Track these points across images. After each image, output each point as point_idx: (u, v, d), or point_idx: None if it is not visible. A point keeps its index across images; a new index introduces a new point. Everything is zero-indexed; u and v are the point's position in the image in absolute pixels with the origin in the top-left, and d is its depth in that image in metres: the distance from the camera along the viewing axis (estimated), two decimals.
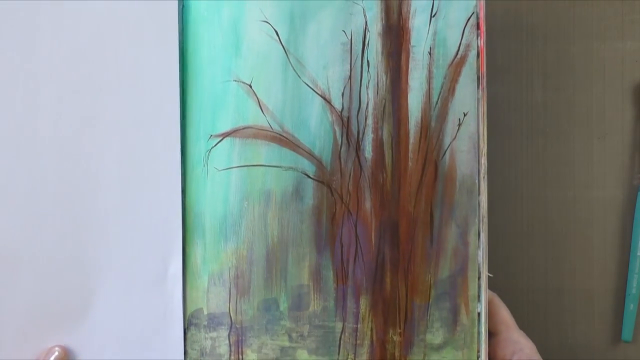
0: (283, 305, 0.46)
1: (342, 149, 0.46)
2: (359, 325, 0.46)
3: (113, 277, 0.46)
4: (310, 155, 0.46)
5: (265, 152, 0.46)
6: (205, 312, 0.46)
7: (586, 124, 0.57)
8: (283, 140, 0.46)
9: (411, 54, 0.46)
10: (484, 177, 0.47)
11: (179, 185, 0.46)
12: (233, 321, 0.46)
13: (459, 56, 0.46)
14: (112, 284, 0.46)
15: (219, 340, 0.46)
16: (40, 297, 0.45)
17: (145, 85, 0.46)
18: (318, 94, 0.46)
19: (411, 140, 0.46)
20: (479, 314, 0.46)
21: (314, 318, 0.46)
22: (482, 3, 0.47)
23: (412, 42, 0.46)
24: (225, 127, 0.46)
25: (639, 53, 0.57)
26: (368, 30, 0.46)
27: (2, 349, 0.44)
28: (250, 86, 0.46)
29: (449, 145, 0.46)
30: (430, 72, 0.46)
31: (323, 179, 0.46)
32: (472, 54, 0.46)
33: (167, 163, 0.46)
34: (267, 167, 0.46)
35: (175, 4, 0.46)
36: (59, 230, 0.45)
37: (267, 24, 0.46)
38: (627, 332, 0.56)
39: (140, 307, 0.46)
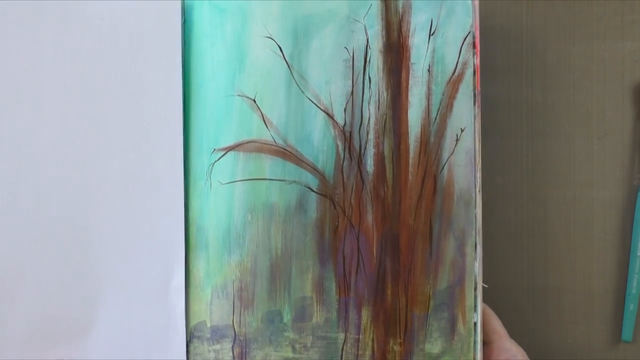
0: (287, 317, 0.48)
1: (345, 163, 0.48)
2: (360, 336, 0.48)
3: (115, 290, 0.47)
4: (313, 169, 0.48)
5: (269, 166, 0.48)
6: (209, 325, 0.47)
7: (586, 124, 0.58)
8: (287, 154, 0.48)
9: (411, 71, 0.49)
10: (479, 191, 0.49)
11: (181, 198, 0.48)
12: (237, 333, 0.47)
13: (456, 74, 0.49)
14: (115, 297, 0.47)
15: (223, 353, 0.47)
16: (43, 310, 0.46)
17: (148, 99, 0.47)
18: (321, 109, 0.48)
19: (411, 154, 0.49)
20: (475, 323, 0.49)
21: (316, 329, 0.48)
22: (478, 23, 0.50)
23: (412, 59, 0.49)
24: (229, 141, 0.48)
25: (639, 53, 0.58)
26: (369, 48, 0.49)
27: None
28: (254, 101, 0.47)
29: (447, 159, 0.49)
30: (429, 88, 0.49)
31: (326, 193, 0.48)
32: (469, 71, 0.49)
33: (170, 176, 0.48)
34: (270, 181, 0.48)
35: (179, 18, 0.48)
36: (62, 243, 0.47)
37: (271, 40, 0.48)
38: (627, 332, 0.57)
39: (143, 320, 0.47)
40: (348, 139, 0.48)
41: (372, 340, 0.49)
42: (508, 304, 0.56)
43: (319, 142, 0.48)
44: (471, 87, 0.49)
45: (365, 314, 0.48)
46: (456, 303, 0.49)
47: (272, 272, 0.48)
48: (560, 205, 0.58)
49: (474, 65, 0.50)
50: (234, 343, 0.48)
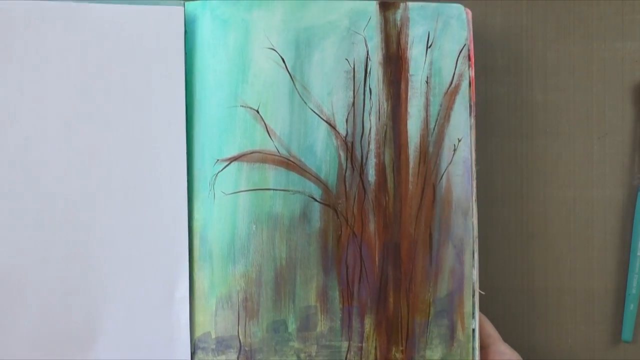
0: (291, 327, 0.49)
1: (347, 173, 0.50)
2: (363, 344, 0.50)
3: (119, 302, 0.48)
4: (316, 179, 0.50)
5: (273, 176, 0.50)
6: (213, 336, 0.49)
7: (586, 124, 0.60)
8: (290, 164, 0.50)
9: (410, 83, 0.51)
10: (475, 200, 0.52)
11: (185, 209, 0.49)
12: (242, 344, 0.49)
13: (453, 85, 0.52)
14: (118, 309, 0.48)
15: None
16: (46, 321, 0.47)
17: (151, 109, 0.49)
18: (323, 119, 0.50)
19: (411, 164, 0.51)
20: (473, 330, 0.51)
21: (321, 338, 0.50)
22: (472, 36, 0.52)
23: (411, 71, 0.52)
24: (232, 152, 0.49)
25: (639, 53, 0.60)
26: (369, 59, 0.51)
27: None
28: (258, 111, 0.49)
29: (446, 169, 0.52)
30: (427, 99, 0.52)
31: (329, 202, 0.50)
32: (465, 83, 0.52)
33: (173, 187, 0.49)
34: (275, 191, 0.49)
35: (181, 29, 0.49)
36: (65, 255, 0.48)
37: (274, 51, 0.50)
38: (627, 332, 0.59)
39: (147, 332, 0.49)
40: (350, 149, 0.51)
41: (375, 349, 0.51)
42: (508, 304, 0.58)
43: (322, 153, 0.50)
44: (467, 98, 0.52)
45: (368, 322, 0.50)
46: (455, 310, 0.51)
47: (276, 282, 0.49)
48: (560, 205, 0.60)
49: (469, 77, 0.52)
50: (239, 354, 0.49)
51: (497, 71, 0.60)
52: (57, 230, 0.47)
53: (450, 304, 0.52)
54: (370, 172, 0.51)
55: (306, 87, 0.50)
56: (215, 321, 0.49)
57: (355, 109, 0.51)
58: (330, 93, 0.51)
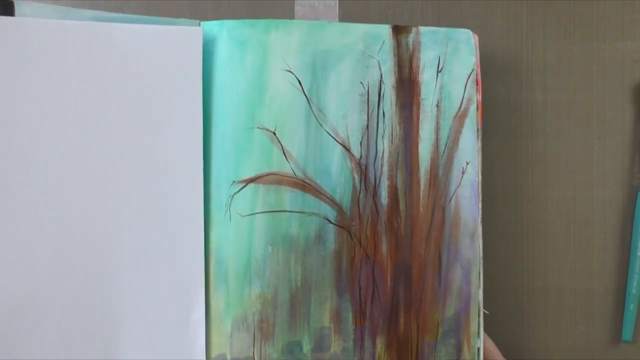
0: (306, 348, 0.51)
1: (361, 195, 0.53)
2: None
3: (135, 324, 0.50)
4: (331, 201, 0.52)
5: (289, 198, 0.52)
6: (229, 357, 0.51)
7: (586, 124, 0.61)
8: (306, 186, 0.51)
9: (421, 106, 0.54)
10: (481, 222, 0.55)
11: (201, 230, 0.51)
12: None
13: (462, 109, 0.55)
14: (135, 331, 0.49)
15: None
16: (64, 347, 0.49)
17: (168, 130, 0.50)
18: (338, 142, 0.52)
19: (422, 187, 0.54)
20: (478, 349, 0.54)
21: (334, 359, 0.52)
22: (479, 62, 0.55)
23: (422, 95, 0.54)
24: (249, 174, 0.51)
25: (639, 53, 0.62)
26: (383, 83, 0.53)
27: None
28: (275, 133, 0.51)
29: (455, 192, 0.54)
30: (438, 123, 0.54)
31: (343, 224, 0.52)
32: (473, 107, 0.55)
33: (190, 208, 0.51)
34: (290, 213, 0.51)
35: (200, 50, 0.50)
36: (82, 280, 0.49)
37: (290, 73, 0.51)
38: (627, 332, 0.60)
39: (163, 354, 0.50)
40: (364, 171, 0.53)
41: None
42: (508, 304, 0.60)
43: (337, 175, 0.52)
44: (475, 122, 0.55)
45: (380, 342, 0.53)
46: (462, 329, 0.54)
47: (292, 303, 0.51)
48: (560, 205, 0.61)
49: (477, 101, 0.55)
50: None
51: (497, 71, 0.62)
52: (74, 254, 0.48)
53: (458, 323, 0.54)
54: (383, 194, 0.53)
55: (322, 110, 0.52)
56: (231, 342, 0.51)
57: (369, 132, 0.53)
58: (345, 116, 0.53)
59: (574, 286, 0.61)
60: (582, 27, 0.62)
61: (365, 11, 0.60)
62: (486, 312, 0.56)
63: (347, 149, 0.53)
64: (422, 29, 0.55)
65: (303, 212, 0.52)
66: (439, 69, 0.55)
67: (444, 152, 0.55)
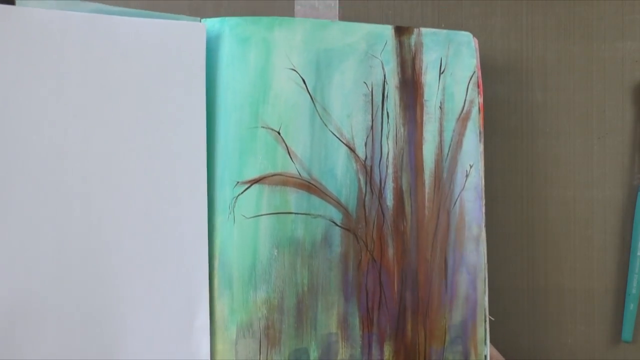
0: (313, 355, 0.51)
1: (367, 197, 0.53)
2: None
3: (137, 331, 0.49)
4: (337, 203, 0.52)
5: (294, 199, 0.51)
6: None
7: (586, 124, 0.63)
8: (312, 187, 0.51)
9: (425, 108, 0.55)
10: (484, 226, 0.55)
11: (205, 233, 0.50)
12: None
13: (464, 111, 0.56)
14: (137, 338, 0.49)
15: None
16: (64, 351, 0.47)
17: (171, 130, 0.50)
18: (343, 142, 0.52)
19: (427, 189, 0.54)
20: (485, 356, 0.55)
21: None
22: (479, 64, 0.56)
23: (425, 96, 0.55)
24: (253, 174, 0.51)
25: (639, 53, 0.63)
26: (387, 83, 0.54)
27: None
28: (279, 133, 0.51)
29: (459, 195, 0.55)
30: (441, 125, 0.55)
31: (349, 227, 0.52)
32: (475, 110, 0.56)
33: (193, 210, 0.50)
34: (296, 215, 0.51)
35: (203, 46, 0.50)
36: (83, 282, 0.48)
37: (294, 72, 0.52)
38: (627, 332, 0.62)
39: None
40: (369, 173, 0.53)
41: None
42: (508, 303, 0.61)
43: (342, 176, 0.53)
44: (477, 125, 0.56)
45: (387, 349, 0.53)
46: (469, 336, 0.55)
47: (299, 309, 0.51)
48: (560, 205, 0.63)
49: (478, 103, 0.56)
50: None
51: (497, 71, 0.63)
52: (74, 256, 0.48)
53: (465, 330, 0.55)
54: (389, 196, 0.54)
55: (326, 109, 0.53)
56: (236, 350, 0.50)
57: (373, 133, 0.54)
58: (350, 116, 0.53)
59: (574, 286, 0.62)
60: (582, 27, 0.63)
61: (365, 11, 0.61)
62: (492, 318, 0.56)
63: (352, 149, 0.53)
64: (423, 30, 0.56)
65: (309, 214, 0.52)
66: (441, 71, 0.56)
67: (447, 154, 0.55)
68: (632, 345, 0.62)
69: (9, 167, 0.46)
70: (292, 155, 0.52)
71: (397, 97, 0.55)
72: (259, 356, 0.50)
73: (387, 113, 0.55)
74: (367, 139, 0.54)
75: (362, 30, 0.55)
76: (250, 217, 0.51)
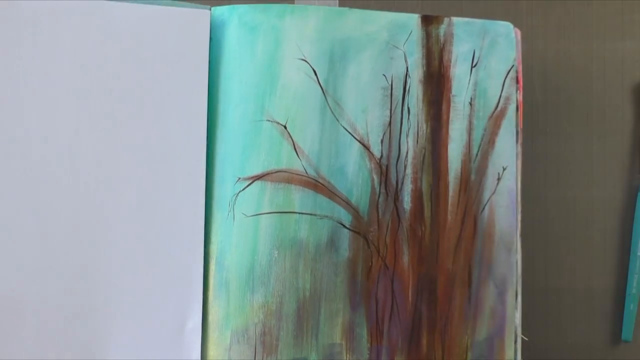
0: None
1: (380, 199, 0.50)
2: None
3: (125, 331, 0.48)
4: (346, 203, 0.49)
5: (299, 198, 0.49)
6: None
7: (586, 124, 0.64)
8: (318, 186, 0.49)
9: (452, 104, 0.51)
10: (520, 235, 0.51)
11: (201, 231, 0.49)
12: None
13: (499, 109, 0.51)
14: (124, 339, 0.48)
15: None
16: (45, 349, 0.46)
17: (170, 121, 0.49)
18: (356, 139, 0.49)
19: (450, 192, 0.51)
20: None
21: None
22: (520, 57, 0.52)
23: (453, 91, 0.51)
24: (256, 170, 0.49)
25: (639, 53, 0.64)
26: (409, 76, 0.51)
27: None
28: (285, 127, 0.49)
29: (489, 199, 0.51)
30: (470, 123, 0.51)
31: (360, 230, 0.49)
32: (512, 107, 0.52)
33: (190, 206, 0.49)
34: (300, 215, 0.48)
35: (207, 34, 0.49)
36: (68, 276, 0.47)
37: (305, 63, 0.49)
38: (627, 332, 0.62)
39: None
40: (384, 173, 0.50)
41: None
42: None
43: (354, 175, 0.50)
44: (514, 124, 0.52)
45: None
46: (495, 356, 0.50)
47: (298, 315, 0.48)
48: (560, 205, 0.63)
49: (517, 100, 0.52)
50: None
51: None
52: (61, 247, 0.47)
53: (490, 349, 0.50)
54: (406, 198, 0.50)
55: (339, 103, 0.50)
56: (230, 356, 0.48)
57: (391, 130, 0.50)
58: (365, 111, 0.50)
59: (574, 286, 0.63)
60: (582, 27, 0.64)
61: None
62: (525, 338, 0.51)
63: (365, 147, 0.50)
64: (455, 19, 0.52)
65: (314, 215, 0.49)
66: (474, 64, 0.52)
67: (477, 155, 0.51)
68: (632, 345, 0.63)
69: None
70: (299, 150, 0.50)
71: (420, 92, 0.51)
72: None
73: (408, 109, 0.51)
74: (383, 136, 0.51)
75: (384, 18, 0.51)
76: (251, 216, 0.49)
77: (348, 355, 0.49)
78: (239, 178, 0.49)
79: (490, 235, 0.51)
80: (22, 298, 0.46)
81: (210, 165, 0.49)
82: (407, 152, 0.51)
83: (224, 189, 0.49)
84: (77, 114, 0.47)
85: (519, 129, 0.52)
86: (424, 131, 0.51)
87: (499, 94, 0.52)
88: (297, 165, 0.49)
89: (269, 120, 0.49)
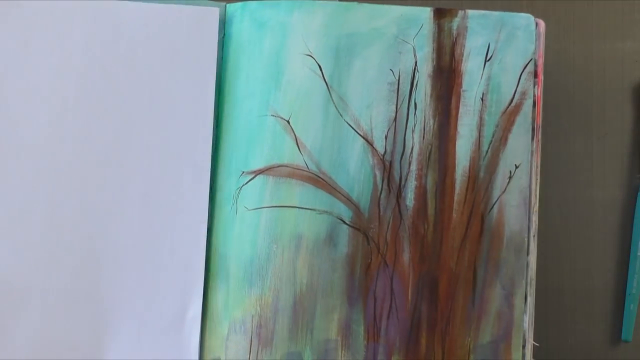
0: None
1: (382, 195, 0.50)
2: None
3: (127, 318, 0.50)
4: (347, 199, 0.49)
5: (300, 193, 0.50)
6: None
7: (586, 124, 0.63)
8: (319, 181, 0.49)
9: (462, 99, 0.50)
10: (534, 236, 0.50)
11: (205, 223, 0.50)
12: None
13: (513, 104, 0.50)
14: (126, 325, 0.50)
15: None
16: (48, 334, 0.49)
17: (177, 114, 0.51)
18: (360, 134, 0.50)
19: (457, 190, 0.50)
20: None
21: None
22: (542, 49, 0.50)
23: (464, 86, 0.51)
24: (259, 164, 0.50)
25: (639, 53, 0.64)
26: (417, 71, 0.50)
27: None
28: (289, 122, 0.49)
29: (498, 198, 0.50)
30: (481, 119, 0.50)
31: (359, 226, 0.49)
32: (528, 102, 0.50)
33: (195, 198, 0.50)
34: (300, 209, 0.49)
35: (216, 32, 0.50)
36: (72, 263, 0.50)
37: (311, 58, 0.50)
38: (627, 332, 0.62)
39: (155, 352, 0.50)
40: (388, 169, 0.50)
41: None
42: None
43: (356, 171, 0.50)
44: (529, 120, 0.51)
45: None
46: None
47: (295, 310, 0.49)
48: (560, 205, 0.63)
49: (534, 95, 0.50)
50: None
51: None
52: (66, 236, 0.50)
53: (495, 353, 0.50)
54: (409, 195, 0.50)
55: (343, 99, 0.50)
56: (227, 346, 0.50)
57: (396, 125, 0.50)
58: (370, 106, 0.50)
59: (574, 286, 0.62)
60: (582, 27, 0.63)
61: None
62: (536, 344, 0.50)
63: (369, 142, 0.50)
64: (470, 12, 0.51)
65: (314, 210, 0.50)
66: (487, 58, 0.51)
67: (487, 152, 0.50)
68: (632, 345, 0.62)
69: (2, 150, 0.50)
70: (300, 145, 0.50)
71: (428, 87, 0.51)
72: (248, 355, 0.49)
73: (415, 104, 0.51)
74: (387, 131, 0.50)
75: (393, 12, 0.51)
76: (252, 209, 0.50)
77: (343, 351, 0.50)
78: (243, 172, 0.50)
79: (498, 235, 0.50)
80: (28, 284, 0.49)
81: (215, 159, 0.51)
82: (412, 148, 0.50)
83: (229, 182, 0.51)
84: (87, 108, 0.50)
85: (537, 125, 0.51)
86: (431, 127, 0.51)
87: (514, 89, 0.51)
88: (299, 160, 0.50)
89: (273, 115, 0.50)
